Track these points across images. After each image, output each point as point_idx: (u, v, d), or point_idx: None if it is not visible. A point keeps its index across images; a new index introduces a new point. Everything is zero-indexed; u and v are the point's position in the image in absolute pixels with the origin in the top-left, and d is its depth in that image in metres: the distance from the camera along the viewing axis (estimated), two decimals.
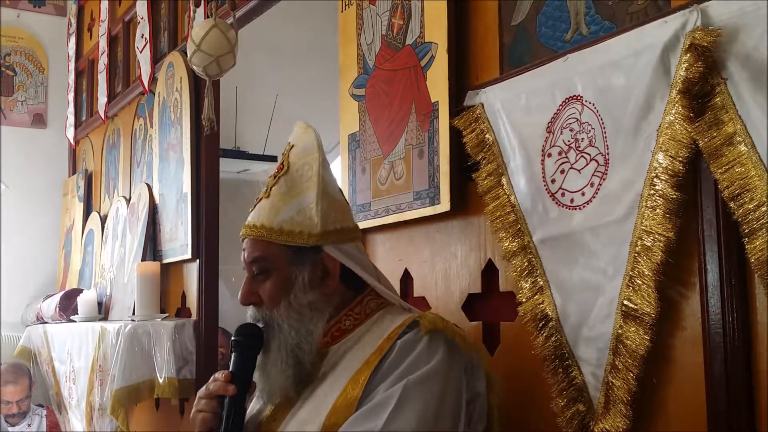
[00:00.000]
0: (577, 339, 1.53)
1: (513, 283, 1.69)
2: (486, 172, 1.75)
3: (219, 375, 1.55)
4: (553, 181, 1.59)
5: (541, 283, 1.61)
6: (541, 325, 1.60)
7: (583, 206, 1.52)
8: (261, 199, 1.59)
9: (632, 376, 1.40)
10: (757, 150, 1.24)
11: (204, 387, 1.57)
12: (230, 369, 1.54)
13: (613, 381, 1.43)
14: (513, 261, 1.67)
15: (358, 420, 1.39)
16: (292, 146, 1.62)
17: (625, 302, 1.41)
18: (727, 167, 1.27)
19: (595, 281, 1.49)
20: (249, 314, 1.59)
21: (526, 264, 1.65)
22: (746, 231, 1.24)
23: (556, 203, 1.58)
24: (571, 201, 1.55)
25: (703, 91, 1.31)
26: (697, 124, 1.32)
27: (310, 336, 1.52)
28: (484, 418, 1.50)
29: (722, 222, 1.29)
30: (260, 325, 1.56)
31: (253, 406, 1.64)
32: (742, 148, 1.26)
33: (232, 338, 1.56)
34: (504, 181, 1.71)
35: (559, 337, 1.56)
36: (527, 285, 1.64)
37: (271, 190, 1.57)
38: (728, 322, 1.28)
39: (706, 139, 1.30)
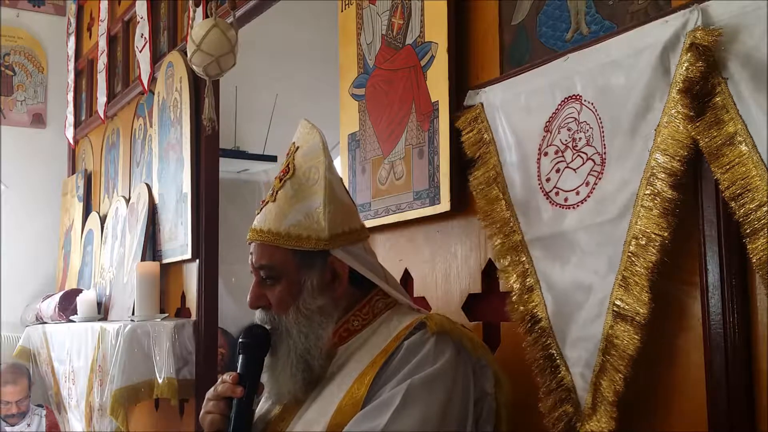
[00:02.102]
0: (567, 339, 1.52)
1: (504, 282, 1.68)
2: (481, 170, 1.74)
3: (227, 377, 1.55)
4: (548, 179, 1.59)
5: (532, 282, 1.60)
6: (530, 325, 1.59)
7: (577, 205, 1.52)
8: (267, 203, 1.59)
9: (620, 377, 1.39)
10: (758, 150, 1.24)
11: (212, 388, 1.57)
12: (238, 371, 1.54)
13: (601, 381, 1.43)
14: (504, 260, 1.67)
15: (362, 419, 1.39)
16: (297, 147, 1.60)
17: (617, 302, 1.41)
18: (728, 167, 1.27)
19: (587, 281, 1.48)
20: (257, 317, 1.59)
21: (516, 263, 1.64)
22: (748, 231, 1.24)
23: (550, 202, 1.58)
24: (565, 200, 1.55)
25: (703, 91, 1.31)
26: (697, 124, 1.31)
27: (320, 341, 1.52)
28: (492, 417, 1.49)
29: (723, 222, 1.29)
30: (267, 326, 1.56)
31: (262, 406, 1.64)
32: (743, 147, 1.25)
33: (240, 340, 1.56)
34: (498, 179, 1.70)
35: (549, 337, 1.56)
36: (517, 284, 1.63)
37: (277, 193, 1.57)
38: (729, 323, 1.28)
39: (706, 139, 1.30)
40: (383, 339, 1.51)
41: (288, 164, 1.59)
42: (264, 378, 1.56)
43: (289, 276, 1.53)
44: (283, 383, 1.52)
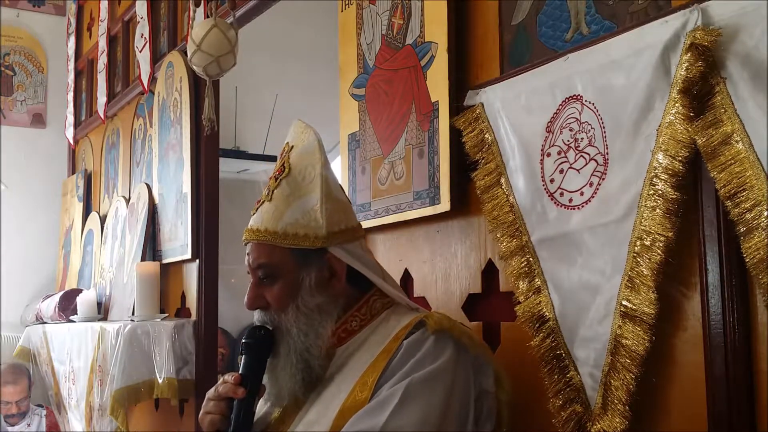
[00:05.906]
0: (575, 339, 1.53)
1: (512, 283, 1.69)
2: (485, 172, 1.75)
3: (228, 377, 1.53)
4: (552, 180, 1.59)
5: (539, 283, 1.61)
6: (538, 325, 1.59)
7: (582, 206, 1.52)
8: (263, 202, 1.58)
9: (631, 377, 1.39)
10: (754, 149, 1.24)
11: (213, 388, 1.57)
12: (240, 371, 1.53)
13: (612, 381, 1.43)
14: (511, 261, 1.67)
15: (361, 417, 1.38)
16: (292, 147, 1.60)
17: (624, 302, 1.41)
18: (724, 166, 1.27)
19: (593, 281, 1.49)
20: (256, 317, 1.58)
21: (524, 264, 1.64)
22: (742, 230, 1.24)
23: (555, 203, 1.58)
24: (570, 201, 1.55)
25: (703, 91, 1.31)
26: (696, 124, 1.31)
27: (319, 339, 1.51)
28: (492, 416, 1.49)
29: (723, 222, 1.29)
30: (269, 327, 1.55)
31: (261, 408, 1.63)
32: (740, 146, 1.26)
33: (243, 340, 1.55)
34: (503, 180, 1.71)
35: (557, 337, 1.56)
36: (525, 285, 1.63)
37: (273, 192, 1.56)
38: (729, 322, 1.28)
39: (704, 138, 1.30)
40: (382, 339, 1.50)
41: (283, 163, 1.58)
42: (264, 379, 1.55)
43: (287, 275, 1.52)
44: (283, 383, 1.52)
